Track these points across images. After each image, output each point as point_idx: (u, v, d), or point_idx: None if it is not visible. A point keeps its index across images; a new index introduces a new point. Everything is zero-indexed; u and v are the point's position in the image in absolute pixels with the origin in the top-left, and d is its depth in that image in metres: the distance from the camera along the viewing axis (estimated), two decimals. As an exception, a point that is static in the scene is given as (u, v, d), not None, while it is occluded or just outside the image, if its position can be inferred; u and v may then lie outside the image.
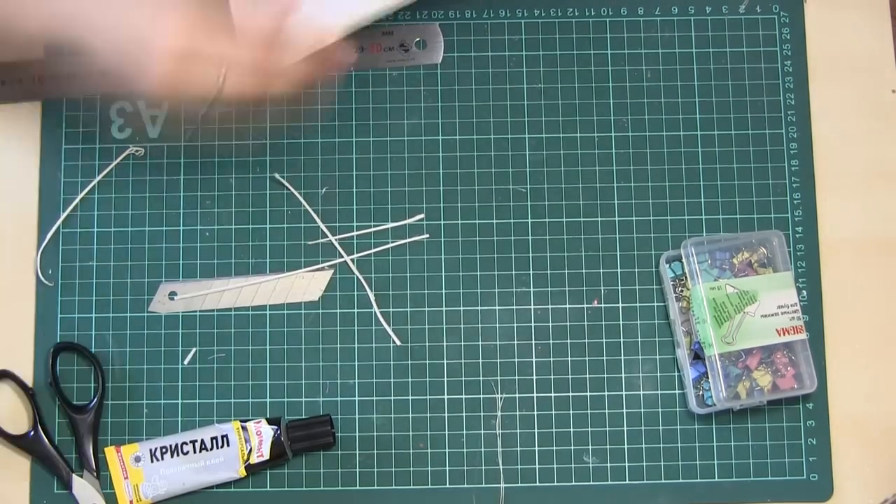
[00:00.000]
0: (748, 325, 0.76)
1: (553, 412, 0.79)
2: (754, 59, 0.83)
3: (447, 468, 0.78)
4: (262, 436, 0.76)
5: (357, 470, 0.78)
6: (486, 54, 0.83)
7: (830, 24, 0.84)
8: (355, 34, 0.75)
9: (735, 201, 0.81)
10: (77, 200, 0.81)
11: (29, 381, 0.79)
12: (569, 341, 0.80)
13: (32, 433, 0.77)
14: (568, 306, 0.80)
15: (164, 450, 0.76)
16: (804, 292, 0.80)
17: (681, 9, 0.84)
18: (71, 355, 0.79)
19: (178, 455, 0.76)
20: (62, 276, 0.80)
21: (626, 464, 0.78)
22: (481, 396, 0.79)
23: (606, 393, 0.79)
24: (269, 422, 0.76)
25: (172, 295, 0.79)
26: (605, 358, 0.79)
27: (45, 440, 0.77)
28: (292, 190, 0.80)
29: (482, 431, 0.79)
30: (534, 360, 0.80)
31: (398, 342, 0.79)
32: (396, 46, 0.83)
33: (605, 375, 0.79)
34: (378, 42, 0.83)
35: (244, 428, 0.76)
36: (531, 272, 0.81)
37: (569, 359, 0.80)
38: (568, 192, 0.81)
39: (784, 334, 0.76)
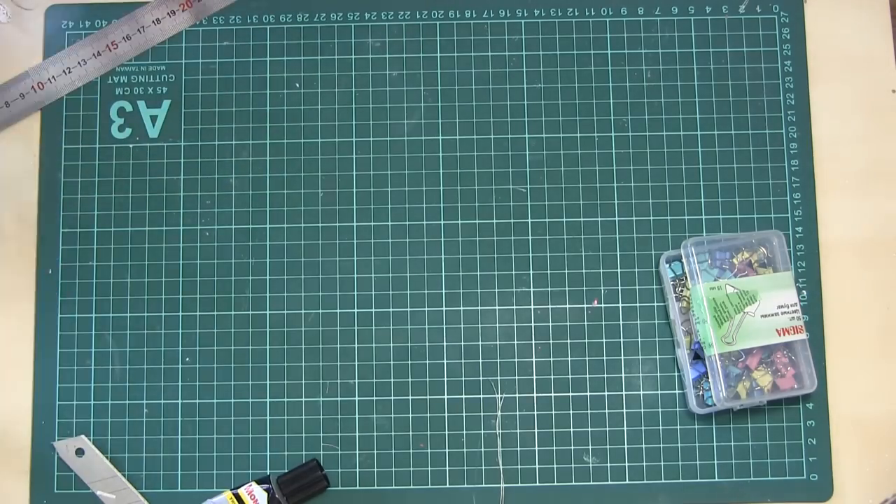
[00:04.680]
0: (748, 325, 0.76)
1: (553, 412, 0.79)
2: (754, 59, 0.83)
3: (447, 468, 0.78)
4: (256, 499, 0.75)
5: (357, 470, 0.78)
6: (486, 54, 0.83)
7: (830, 24, 0.84)
8: None
9: (735, 201, 0.81)
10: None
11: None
12: (569, 341, 0.80)
13: None
14: (568, 306, 0.80)
15: None
16: (804, 292, 0.80)
17: (681, 9, 0.84)
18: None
19: None
20: (62, 276, 0.80)
21: (626, 464, 0.78)
22: (481, 396, 0.79)
23: (606, 393, 0.79)
24: (259, 482, 0.75)
25: (80, 452, 0.78)
26: (605, 358, 0.79)
27: None
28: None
29: (482, 431, 0.79)
30: (534, 360, 0.80)
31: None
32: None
33: (605, 375, 0.79)
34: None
35: (236, 495, 0.75)
36: (531, 272, 0.81)
37: (569, 359, 0.80)
38: (568, 192, 0.81)
39: (784, 334, 0.76)
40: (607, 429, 0.79)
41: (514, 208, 0.81)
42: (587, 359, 0.79)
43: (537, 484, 0.78)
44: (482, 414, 0.79)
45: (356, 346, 0.80)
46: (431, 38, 0.83)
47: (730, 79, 0.83)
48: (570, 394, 0.79)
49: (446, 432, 0.79)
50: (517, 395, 0.79)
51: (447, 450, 0.79)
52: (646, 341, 0.80)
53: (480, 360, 0.80)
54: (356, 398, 0.79)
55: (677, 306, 0.78)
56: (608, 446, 0.78)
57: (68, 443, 0.78)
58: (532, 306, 0.80)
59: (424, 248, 0.81)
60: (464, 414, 0.79)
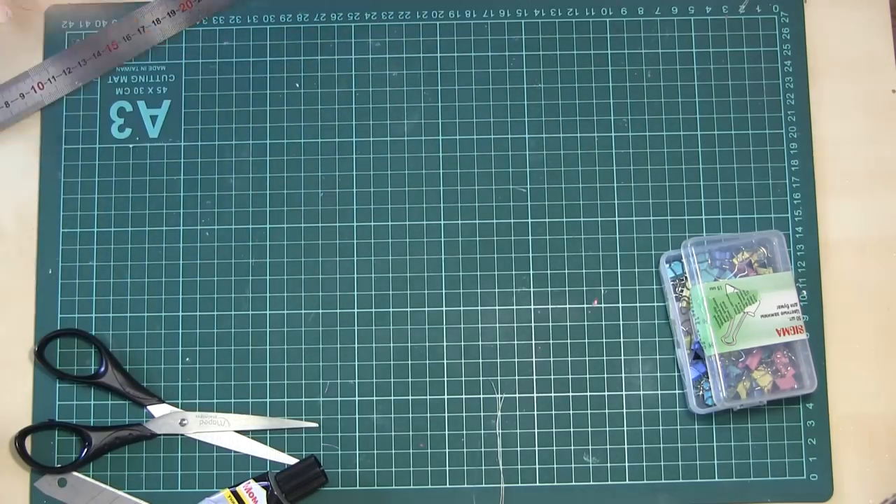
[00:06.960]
0: (748, 325, 0.76)
1: (553, 412, 0.79)
2: (754, 59, 0.83)
3: (447, 468, 0.78)
4: (255, 497, 0.75)
5: (357, 470, 0.78)
6: (486, 54, 0.83)
7: (830, 24, 0.84)
8: None
9: (735, 201, 0.81)
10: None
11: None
12: (569, 341, 0.80)
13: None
14: (568, 306, 0.80)
15: None
16: (804, 292, 0.80)
17: (681, 9, 0.84)
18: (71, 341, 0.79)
19: None
20: (62, 276, 0.80)
21: (626, 464, 0.78)
22: (481, 396, 0.79)
23: (606, 393, 0.79)
24: (257, 479, 0.75)
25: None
26: (605, 358, 0.79)
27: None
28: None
29: (482, 431, 0.79)
30: (534, 360, 0.80)
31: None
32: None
33: (605, 375, 0.79)
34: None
35: (235, 493, 0.75)
36: (531, 272, 0.81)
37: (569, 359, 0.80)
38: (568, 192, 0.81)
39: (784, 334, 0.76)
40: (607, 429, 0.79)
41: (514, 208, 0.81)
42: (587, 359, 0.79)
43: (537, 484, 0.78)
44: (482, 414, 0.79)
45: (356, 346, 0.80)
46: (431, 38, 0.83)
47: (730, 79, 0.83)
48: (570, 394, 0.79)
49: (446, 432, 0.79)
50: (517, 395, 0.79)
51: (447, 450, 0.79)
52: (646, 341, 0.80)
53: (480, 360, 0.80)
54: (356, 398, 0.79)
55: (677, 306, 0.78)
56: (608, 446, 0.78)
57: (48, 479, 0.78)
58: (532, 306, 0.80)
59: (424, 248, 0.81)
60: (464, 414, 0.79)
